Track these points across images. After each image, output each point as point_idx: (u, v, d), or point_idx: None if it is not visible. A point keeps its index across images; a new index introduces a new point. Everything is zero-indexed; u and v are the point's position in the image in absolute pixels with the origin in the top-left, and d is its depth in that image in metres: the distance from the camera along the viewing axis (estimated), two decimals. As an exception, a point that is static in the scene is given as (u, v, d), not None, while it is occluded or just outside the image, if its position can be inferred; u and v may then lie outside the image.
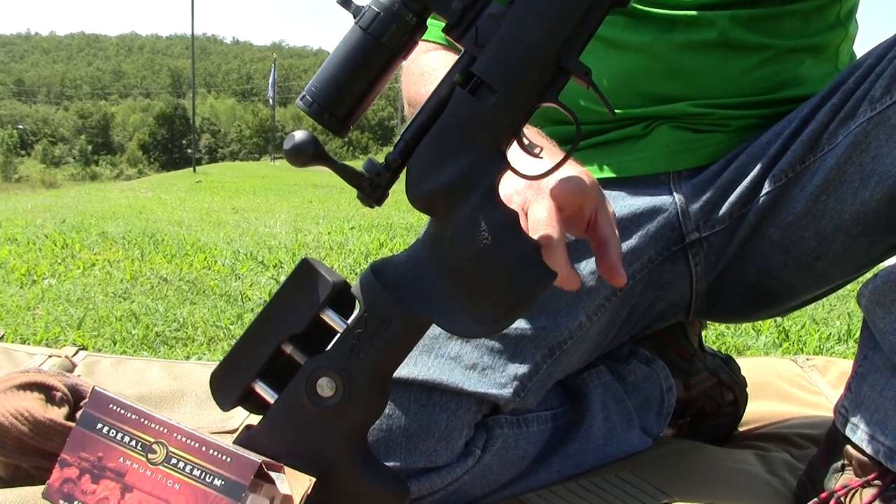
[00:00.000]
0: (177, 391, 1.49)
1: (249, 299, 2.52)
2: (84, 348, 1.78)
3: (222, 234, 4.84)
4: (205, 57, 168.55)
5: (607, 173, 1.23)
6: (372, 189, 0.88)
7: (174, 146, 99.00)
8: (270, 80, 40.15)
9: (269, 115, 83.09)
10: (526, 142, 0.87)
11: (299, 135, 0.86)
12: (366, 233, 5.26)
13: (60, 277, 2.75)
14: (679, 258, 1.21)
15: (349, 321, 0.87)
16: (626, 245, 1.16)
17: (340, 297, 0.89)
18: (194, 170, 20.91)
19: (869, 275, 1.17)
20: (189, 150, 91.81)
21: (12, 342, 1.89)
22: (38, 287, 2.55)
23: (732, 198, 1.18)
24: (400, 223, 6.09)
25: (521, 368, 1.07)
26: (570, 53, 0.85)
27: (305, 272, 0.90)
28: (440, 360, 1.04)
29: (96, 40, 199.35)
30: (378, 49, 0.84)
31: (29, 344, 1.89)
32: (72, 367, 1.58)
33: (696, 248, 1.21)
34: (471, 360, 1.05)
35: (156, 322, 2.16)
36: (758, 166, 1.17)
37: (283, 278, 2.93)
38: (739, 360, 1.59)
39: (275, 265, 3.28)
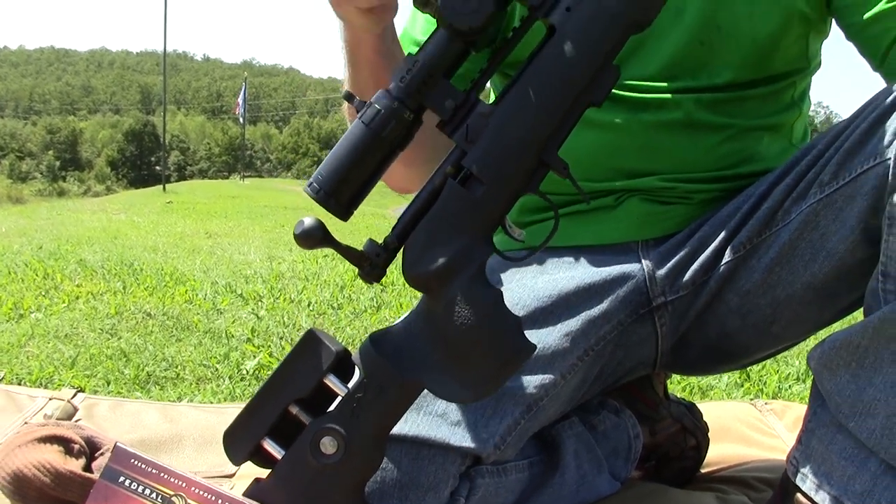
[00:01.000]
0: (175, 435, 1.58)
1: (233, 336, 2.60)
2: (81, 390, 1.86)
3: (198, 261, 4.91)
4: (175, 73, 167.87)
5: (582, 241, 1.34)
6: (371, 268, 0.98)
7: (143, 163, 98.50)
8: (241, 98, 39.90)
9: (239, 133, 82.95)
10: (508, 226, 0.98)
11: (308, 221, 0.96)
12: (339, 262, 5.34)
13: (46, 311, 2.82)
14: (646, 320, 1.32)
15: (350, 386, 0.98)
16: (598, 309, 1.27)
17: (342, 364, 0.99)
18: (164, 189, 20.87)
19: (822, 334, 1.29)
20: (158, 168, 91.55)
21: (10, 382, 1.97)
22: (26, 322, 2.63)
23: (695, 266, 1.29)
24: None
25: (502, 424, 1.17)
26: (551, 149, 0.96)
27: (311, 341, 1.00)
28: (428, 417, 1.14)
29: (66, 55, 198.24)
30: (378, 143, 0.95)
31: (25, 383, 1.97)
32: (73, 411, 1.66)
33: (662, 311, 1.31)
34: (456, 417, 1.15)
35: (146, 361, 2.24)
36: (719, 237, 1.28)
37: (262, 312, 3.03)
38: (701, 405, 1.70)
39: (254, 298, 3.36)
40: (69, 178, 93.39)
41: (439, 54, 0.95)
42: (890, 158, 1.07)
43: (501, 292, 0.96)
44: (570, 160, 0.96)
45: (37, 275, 3.63)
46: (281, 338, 2.64)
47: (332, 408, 0.98)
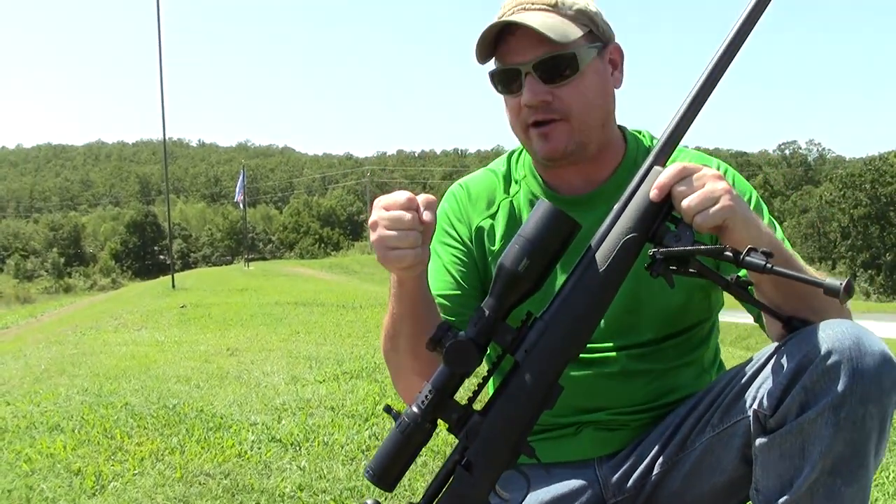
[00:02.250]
0: None
1: (284, 494, 3.13)
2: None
3: (230, 393, 5.43)
4: (172, 161, 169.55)
5: (550, 458, 1.87)
6: (412, 526, 1.50)
7: (146, 253, 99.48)
8: (239, 185, 40.39)
9: (240, 217, 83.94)
10: (498, 491, 1.51)
11: (370, 503, 1.49)
12: (356, 380, 5.89)
13: (122, 480, 3.34)
14: (603, 517, 1.85)
15: None
16: (568, 511, 1.81)
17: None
18: (173, 285, 21.37)
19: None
20: (162, 257, 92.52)
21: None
22: (109, 495, 3.15)
23: (635, 475, 1.83)
24: (384, 362, 6.70)
25: None
26: (523, 441, 1.49)
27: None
28: None
29: (63, 150, 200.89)
30: (409, 444, 1.48)
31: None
32: None
33: (613, 509, 1.85)
34: None
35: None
36: (650, 455, 1.82)
37: (304, 463, 3.54)
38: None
39: (292, 444, 3.89)
40: (74, 273, 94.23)
41: (444, 386, 1.48)
42: (750, 416, 1.60)
43: None
44: None
45: (98, 432, 4.15)
46: (324, 492, 3.16)
47: None
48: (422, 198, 1.58)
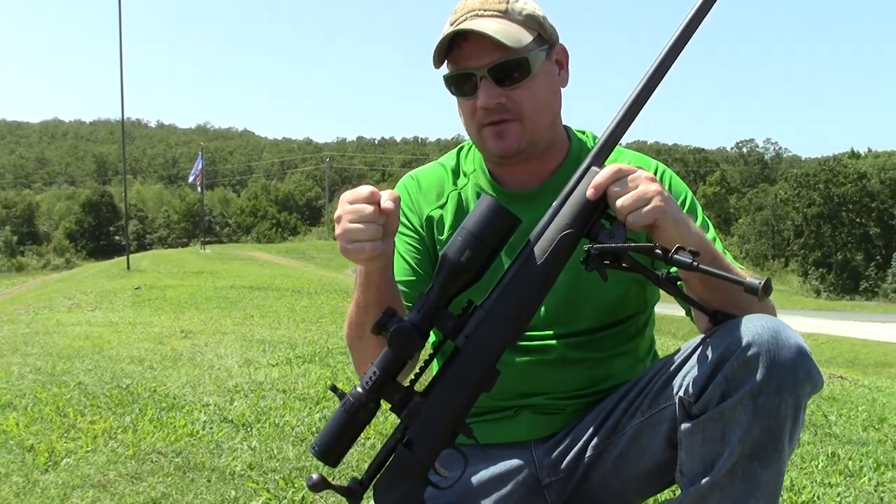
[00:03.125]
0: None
1: (235, 472, 3.22)
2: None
3: (183, 375, 5.47)
4: (130, 142, 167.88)
5: (490, 440, 1.96)
6: (355, 498, 1.58)
7: (102, 234, 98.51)
8: (198, 167, 39.84)
9: (197, 199, 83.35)
10: (437, 468, 1.60)
11: (315, 477, 1.57)
12: (309, 365, 5.97)
13: (75, 456, 3.40)
14: (539, 495, 1.95)
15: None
16: (505, 490, 1.91)
17: None
18: (128, 266, 21.22)
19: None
20: (117, 238, 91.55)
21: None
22: (61, 470, 3.21)
23: (569, 456, 1.93)
24: (336, 347, 6.82)
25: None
26: (461, 421, 1.59)
27: None
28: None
29: (18, 127, 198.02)
30: (353, 422, 1.57)
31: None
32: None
33: (549, 488, 1.96)
34: None
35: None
36: (583, 438, 1.92)
37: (255, 443, 3.61)
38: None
39: (244, 425, 3.96)
40: (28, 252, 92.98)
41: (387, 368, 1.57)
42: (676, 402, 1.71)
43: None
44: None
45: (51, 411, 4.19)
46: (274, 471, 3.24)
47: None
48: (386, 193, 1.67)
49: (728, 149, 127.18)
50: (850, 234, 67.80)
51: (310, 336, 7.84)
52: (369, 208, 1.64)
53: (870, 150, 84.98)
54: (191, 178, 41.36)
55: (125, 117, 23.31)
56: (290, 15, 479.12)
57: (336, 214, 1.68)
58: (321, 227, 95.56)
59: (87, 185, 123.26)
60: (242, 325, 9.00)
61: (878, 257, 65.32)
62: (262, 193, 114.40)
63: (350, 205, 1.66)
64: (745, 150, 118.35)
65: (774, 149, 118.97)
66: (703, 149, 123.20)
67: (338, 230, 1.67)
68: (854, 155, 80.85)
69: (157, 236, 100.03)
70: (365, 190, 1.67)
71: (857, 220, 67.89)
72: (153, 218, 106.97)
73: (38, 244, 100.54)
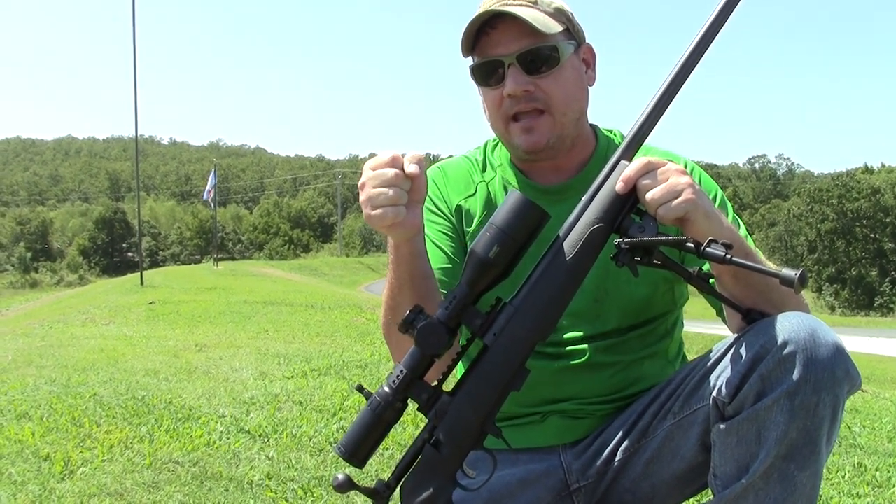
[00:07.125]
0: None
1: (253, 482, 3.17)
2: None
3: (199, 387, 5.44)
4: (143, 159, 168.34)
5: (520, 444, 1.92)
6: (381, 499, 1.54)
7: (115, 250, 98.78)
8: (210, 184, 39.87)
9: (210, 216, 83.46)
10: (466, 469, 1.56)
11: (340, 477, 1.53)
12: (324, 377, 5.92)
13: (91, 466, 3.36)
14: (567, 499, 1.91)
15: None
16: (533, 494, 1.86)
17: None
18: (142, 282, 21.23)
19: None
20: (130, 254, 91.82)
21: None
22: (77, 479, 3.17)
23: (599, 462, 1.89)
24: (352, 360, 6.78)
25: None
26: (490, 421, 1.54)
27: None
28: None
29: (32, 145, 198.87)
30: (379, 422, 1.53)
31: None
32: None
33: (577, 493, 1.91)
34: None
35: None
36: (613, 442, 1.88)
37: (272, 453, 3.58)
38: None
39: (260, 436, 3.92)
40: (41, 268, 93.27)
41: (415, 366, 1.53)
42: (709, 403, 1.66)
43: None
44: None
45: (67, 421, 4.17)
46: (292, 480, 3.20)
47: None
48: (409, 154, 1.63)
49: (740, 164, 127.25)
50: (865, 249, 67.39)
51: (325, 349, 7.80)
52: (391, 171, 1.60)
53: (883, 165, 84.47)
54: (204, 196, 41.41)
55: (139, 134, 23.36)
56: (302, 33, 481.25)
57: (360, 181, 1.65)
58: (333, 243, 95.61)
59: (100, 202, 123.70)
60: (257, 338, 8.97)
61: (893, 273, 64.91)
62: (274, 210, 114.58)
63: (373, 171, 1.62)
64: (757, 165, 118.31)
65: (787, 164, 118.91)
66: (715, 164, 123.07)
67: (362, 197, 1.63)
68: (867, 170, 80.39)
69: (169, 253, 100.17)
70: (387, 155, 1.63)
71: (872, 235, 67.49)
72: (166, 234, 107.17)
73: (51, 261, 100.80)
